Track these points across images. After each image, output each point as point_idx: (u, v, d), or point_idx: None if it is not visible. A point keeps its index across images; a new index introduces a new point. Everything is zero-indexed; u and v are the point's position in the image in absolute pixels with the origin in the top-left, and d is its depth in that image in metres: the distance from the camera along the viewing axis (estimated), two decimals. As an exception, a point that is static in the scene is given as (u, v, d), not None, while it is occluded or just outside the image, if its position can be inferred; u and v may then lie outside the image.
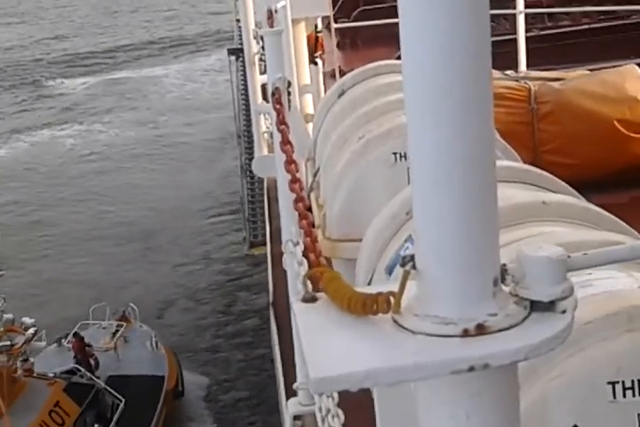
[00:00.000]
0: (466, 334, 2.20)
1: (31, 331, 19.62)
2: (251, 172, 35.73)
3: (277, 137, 7.12)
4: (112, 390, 21.11)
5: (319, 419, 6.86)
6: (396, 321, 2.30)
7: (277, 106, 7.18)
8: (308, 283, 2.60)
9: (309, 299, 2.49)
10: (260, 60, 14.71)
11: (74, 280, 32.75)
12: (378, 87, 10.65)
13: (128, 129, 55.21)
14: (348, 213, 8.55)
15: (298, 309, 2.46)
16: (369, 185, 8.61)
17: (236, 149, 42.30)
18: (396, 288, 2.36)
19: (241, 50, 40.78)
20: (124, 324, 25.31)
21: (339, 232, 8.44)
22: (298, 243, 7.24)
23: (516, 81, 12.85)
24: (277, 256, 12.19)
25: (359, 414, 5.92)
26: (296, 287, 6.88)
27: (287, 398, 7.84)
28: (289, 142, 6.86)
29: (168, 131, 53.89)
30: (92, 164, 48.62)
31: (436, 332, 2.22)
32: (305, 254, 6.87)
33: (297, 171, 6.61)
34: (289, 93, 7.69)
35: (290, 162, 6.62)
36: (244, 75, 39.43)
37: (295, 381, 7.65)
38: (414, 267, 2.33)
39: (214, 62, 71.69)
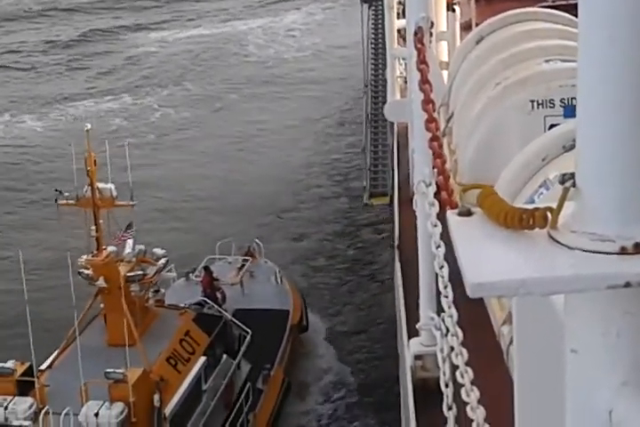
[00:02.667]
0: (623, 251, 2.22)
1: (162, 261, 19.90)
2: (375, 122, 35.69)
3: (416, 76, 7.11)
4: (239, 323, 21.48)
5: (440, 359, 6.92)
6: (551, 236, 2.33)
7: (419, 45, 7.15)
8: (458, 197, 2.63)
9: (465, 213, 2.53)
10: (399, 3, 14.62)
11: (200, 216, 33.53)
12: (517, 34, 10.47)
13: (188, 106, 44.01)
14: (480, 158, 8.50)
15: (453, 222, 2.50)
16: (504, 131, 8.53)
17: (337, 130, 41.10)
18: (552, 205, 2.38)
19: (373, -2, 40.57)
20: (250, 259, 25.71)
21: (470, 177, 8.41)
22: (430, 184, 7.26)
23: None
24: (405, 201, 12.24)
25: (483, 355, 5.96)
26: (426, 227, 6.91)
27: (409, 338, 7.93)
28: (427, 82, 6.83)
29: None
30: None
31: (593, 248, 2.24)
32: (436, 195, 6.89)
33: (434, 111, 6.59)
34: (430, 34, 7.66)
35: (427, 101, 6.60)
36: (376, 23, 39.16)
37: (418, 321, 7.72)
38: (574, 185, 2.34)
39: (298, 19, 59.59)
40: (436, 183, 6.58)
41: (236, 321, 21.47)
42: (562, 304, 2.59)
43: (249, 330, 21.32)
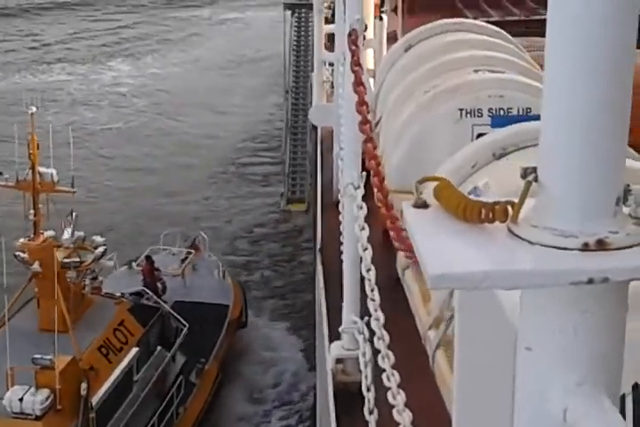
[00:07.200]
0: (586, 248, 2.17)
1: (100, 249, 19.47)
2: (294, 128, 35.70)
3: (349, 78, 7.05)
4: (177, 315, 21.15)
5: (362, 363, 6.87)
6: (511, 231, 2.27)
7: (353, 47, 7.10)
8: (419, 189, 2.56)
9: (421, 205, 2.46)
10: (328, 7, 14.60)
11: (144, 211, 33.16)
12: (446, 44, 10.53)
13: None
14: (407, 164, 8.51)
15: (409, 214, 2.43)
16: (432, 138, 8.56)
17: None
18: (514, 199, 2.33)
19: (297, 5, 40.64)
20: (194, 251, 25.30)
21: (397, 183, 8.39)
22: (359, 186, 7.22)
23: None
24: (328, 204, 12.20)
25: (407, 359, 5.92)
26: (353, 230, 6.84)
27: (330, 342, 7.86)
28: (362, 84, 6.78)
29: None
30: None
31: (555, 244, 2.18)
32: (364, 198, 6.84)
33: (367, 112, 6.54)
34: (364, 37, 7.62)
35: (361, 103, 6.54)
36: (298, 29, 39.27)
37: (339, 325, 7.66)
38: (536, 179, 2.29)
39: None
40: (368, 185, 6.53)
41: (174, 313, 21.22)
42: (510, 303, 2.54)
43: (186, 323, 21.11)
